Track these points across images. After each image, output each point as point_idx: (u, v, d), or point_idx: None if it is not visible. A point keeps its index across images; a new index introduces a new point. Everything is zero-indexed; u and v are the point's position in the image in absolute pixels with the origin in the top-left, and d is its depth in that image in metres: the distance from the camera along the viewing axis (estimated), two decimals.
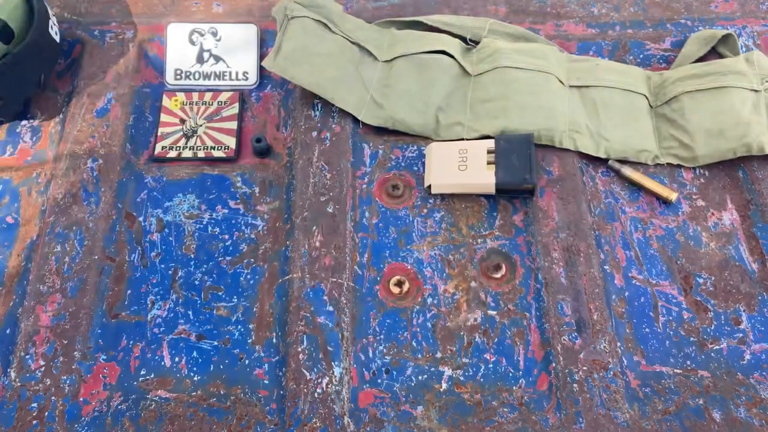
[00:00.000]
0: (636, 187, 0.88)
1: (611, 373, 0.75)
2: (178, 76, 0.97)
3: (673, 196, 0.86)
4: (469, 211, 0.86)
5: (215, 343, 0.79)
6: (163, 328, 0.79)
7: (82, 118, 0.93)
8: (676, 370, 0.77)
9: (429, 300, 0.80)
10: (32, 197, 0.88)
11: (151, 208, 0.87)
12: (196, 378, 0.76)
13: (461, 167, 0.85)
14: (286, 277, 0.81)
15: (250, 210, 0.88)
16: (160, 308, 0.81)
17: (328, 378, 0.75)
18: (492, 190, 0.85)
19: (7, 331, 0.79)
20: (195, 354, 0.78)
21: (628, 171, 0.88)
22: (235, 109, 0.95)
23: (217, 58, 0.98)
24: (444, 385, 0.76)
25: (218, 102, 0.95)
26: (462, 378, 0.76)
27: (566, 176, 0.88)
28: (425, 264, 0.83)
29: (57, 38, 0.94)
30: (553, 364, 0.76)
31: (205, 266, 0.83)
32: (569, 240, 0.83)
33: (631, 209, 0.87)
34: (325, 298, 0.79)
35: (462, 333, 0.78)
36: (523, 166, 0.83)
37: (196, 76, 0.97)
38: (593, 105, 0.92)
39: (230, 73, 0.97)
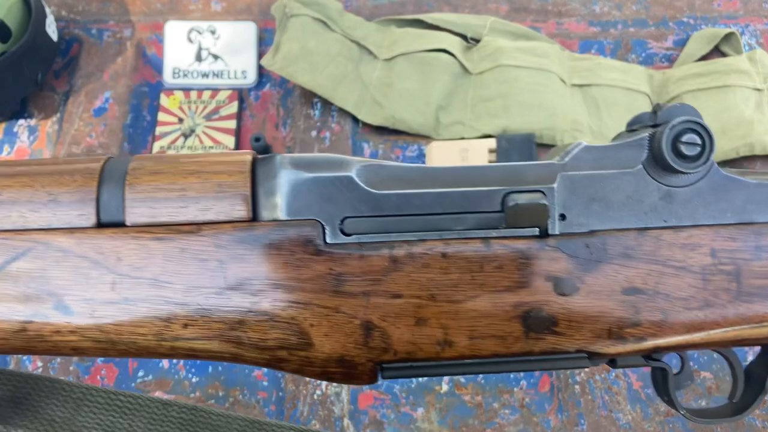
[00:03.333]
0: None
1: (613, 374, 0.74)
2: (176, 75, 0.96)
3: None
4: None
5: None
6: None
7: (80, 117, 0.92)
8: None
9: None
10: None
11: None
12: (194, 379, 0.76)
13: None
14: None
15: None
16: None
17: None
18: None
19: None
20: None
21: None
22: (233, 107, 0.94)
23: (216, 57, 0.97)
24: (444, 387, 0.75)
25: (217, 101, 0.94)
26: (463, 380, 0.75)
27: None
28: None
29: (54, 37, 0.93)
30: None
31: None
32: None
33: None
34: None
35: None
36: None
37: (195, 74, 0.97)
38: (595, 104, 0.91)
39: (229, 71, 0.97)
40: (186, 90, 0.96)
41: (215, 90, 0.96)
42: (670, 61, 0.98)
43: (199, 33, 0.98)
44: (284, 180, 0.28)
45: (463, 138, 0.89)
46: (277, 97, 0.96)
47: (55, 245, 0.26)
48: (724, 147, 0.87)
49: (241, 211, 0.27)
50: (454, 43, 0.93)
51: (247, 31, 0.99)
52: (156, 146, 0.91)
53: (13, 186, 0.27)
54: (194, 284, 0.27)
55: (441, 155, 0.86)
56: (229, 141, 0.91)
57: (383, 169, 0.28)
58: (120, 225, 0.27)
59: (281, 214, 0.27)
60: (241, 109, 0.94)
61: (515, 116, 0.87)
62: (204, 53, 0.97)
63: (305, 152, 0.89)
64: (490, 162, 0.84)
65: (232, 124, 0.93)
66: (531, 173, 0.28)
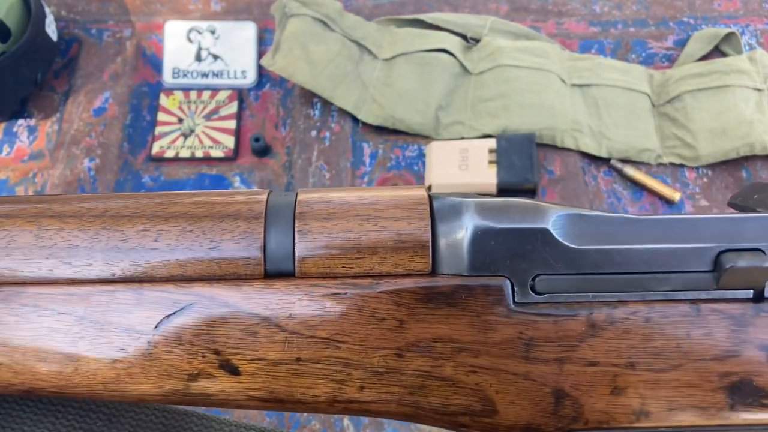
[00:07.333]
0: (638, 187, 0.88)
1: None
2: (176, 75, 0.96)
3: (675, 196, 0.85)
4: None
5: None
6: None
7: (80, 117, 0.92)
8: None
9: None
10: None
11: None
12: None
13: (462, 167, 0.84)
14: None
15: None
16: None
17: None
18: (493, 190, 0.84)
19: None
20: None
21: (630, 170, 0.87)
22: (233, 107, 0.94)
23: (216, 57, 0.97)
24: None
25: (216, 101, 0.94)
26: None
27: (568, 176, 0.87)
28: None
29: (54, 37, 0.93)
30: None
31: None
32: None
33: (633, 209, 0.86)
34: None
35: None
36: (525, 166, 0.83)
37: (194, 74, 0.96)
38: (595, 104, 0.91)
39: (228, 71, 0.96)
40: (186, 90, 0.95)
41: (215, 90, 0.95)
42: (671, 61, 0.98)
43: (199, 33, 0.98)
44: (469, 230, 0.24)
45: (462, 138, 0.89)
46: (277, 97, 0.96)
47: (220, 300, 0.24)
48: (724, 147, 0.86)
49: (420, 263, 0.24)
50: (454, 43, 0.93)
51: (247, 30, 0.99)
52: (156, 146, 0.90)
53: (171, 231, 0.24)
54: (372, 345, 0.24)
55: (441, 155, 0.86)
56: (229, 141, 0.91)
57: (582, 219, 0.25)
58: (289, 276, 0.24)
59: (464, 268, 0.24)
60: (240, 109, 0.94)
61: (515, 116, 0.87)
62: (204, 53, 0.97)
63: (305, 152, 0.89)
64: (490, 162, 0.84)
65: (231, 124, 0.92)
66: (750, 228, 0.25)
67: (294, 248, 0.24)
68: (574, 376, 0.25)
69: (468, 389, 0.25)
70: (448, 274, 0.24)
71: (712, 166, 0.89)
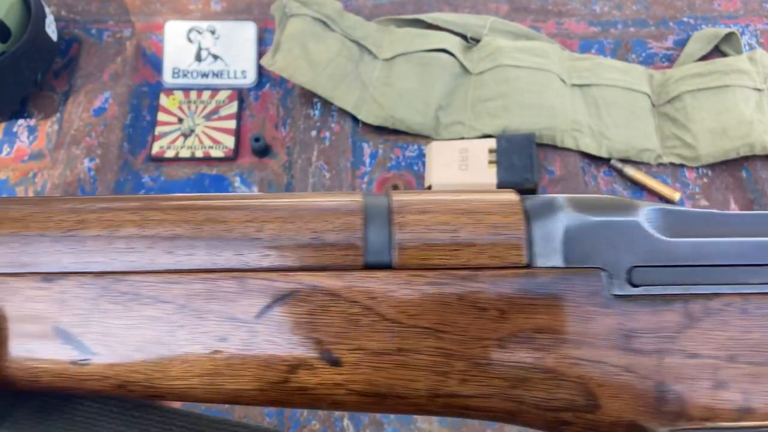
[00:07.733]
0: (638, 187, 0.88)
1: None
2: (176, 75, 0.96)
3: (676, 196, 0.85)
4: None
5: None
6: None
7: (80, 117, 0.92)
8: None
9: None
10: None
11: None
12: None
13: (462, 167, 0.84)
14: None
15: None
16: None
17: None
18: None
19: None
20: None
21: (630, 171, 0.87)
22: (233, 107, 0.94)
23: (216, 57, 0.97)
24: None
25: (216, 101, 0.94)
26: None
27: (568, 176, 0.87)
28: None
29: (54, 37, 0.93)
30: None
31: None
32: None
33: None
34: None
35: None
36: (525, 166, 0.83)
37: (194, 74, 0.96)
38: (595, 104, 0.91)
39: (229, 71, 0.96)
40: (186, 90, 0.95)
41: (215, 90, 0.95)
42: (671, 61, 0.98)
43: (199, 33, 0.98)
44: (564, 223, 0.25)
45: (462, 138, 0.89)
46: (277, 97, 0.96)
47: (322, 288, 0.24)
48: (724, 147, 0.86)
49: (516, 255, 0.25)
50: (454, 43, 0.93)
51: (247, 31, 0.99)
52: (156, 146, 0.90)
53: (273, 222, 0.25)
54: (473, 335, 0.24)
55: (441, 155, 0.86)
56: (229, 141, 0.91)
57: (669, 214, 0.26)
58: (387, 267, 0.25)
59: (559, 260, 0.25)
60: (240, 109, 0.94)
61: (515, 116, 0.87)
62: (204, 53, 0.97)
63: (305, 152, 0.89)
64: (490, 162, 0.84)
65: (231, 124, 0.92)
66: None
67: (392, 239, 0.25)
68: (675, 369, 0.25)
69: (571, 382, 0.25)
70: (543, 267, 0.25)
71: (712, 166, 0.89)
